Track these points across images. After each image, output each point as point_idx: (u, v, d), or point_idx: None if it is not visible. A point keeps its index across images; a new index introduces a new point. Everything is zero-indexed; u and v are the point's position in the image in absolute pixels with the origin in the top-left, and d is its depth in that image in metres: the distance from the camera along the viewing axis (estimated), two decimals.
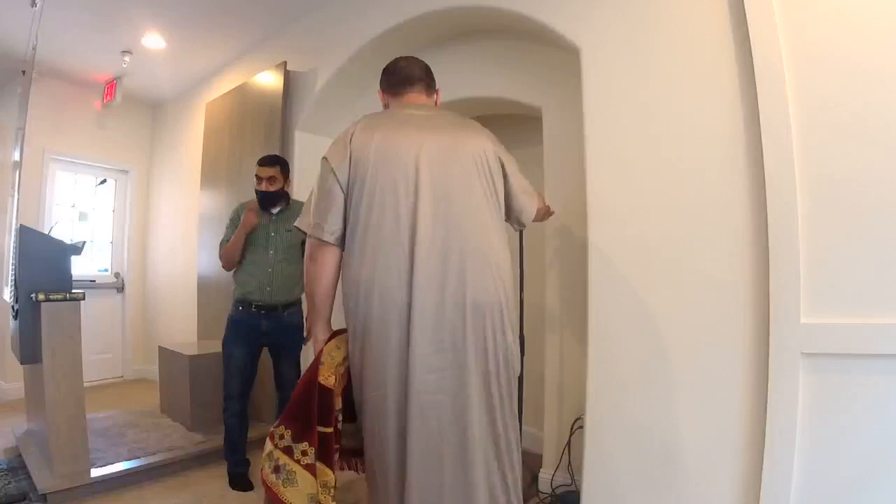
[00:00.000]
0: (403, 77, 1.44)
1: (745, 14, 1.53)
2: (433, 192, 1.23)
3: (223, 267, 2.40)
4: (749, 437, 1.49)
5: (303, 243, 2.30)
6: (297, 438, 1.22)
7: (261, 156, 2.42)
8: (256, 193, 2.34)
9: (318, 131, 3.20)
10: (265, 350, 2.38)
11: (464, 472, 1.18)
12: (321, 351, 1.29)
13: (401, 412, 1.17)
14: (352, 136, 1.29)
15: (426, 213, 1.21)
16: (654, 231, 1.72)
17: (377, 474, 1.23)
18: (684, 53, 1.69)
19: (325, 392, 1.23)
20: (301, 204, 2.41)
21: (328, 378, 1.24)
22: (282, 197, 2.37)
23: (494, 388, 1.22)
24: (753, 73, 1.51)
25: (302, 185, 3.09)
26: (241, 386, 2.29)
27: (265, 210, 2.35)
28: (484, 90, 2.53)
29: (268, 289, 2.28)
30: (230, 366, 2.29)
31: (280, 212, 2.37)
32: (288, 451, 1.22)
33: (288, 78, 3.11)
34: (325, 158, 1.31)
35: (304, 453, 1.21)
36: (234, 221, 2.39)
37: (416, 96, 1.44)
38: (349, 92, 3.07)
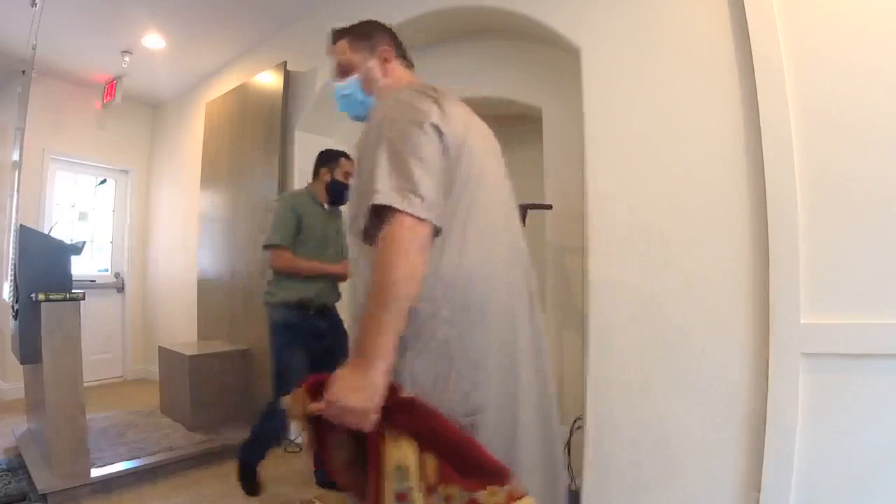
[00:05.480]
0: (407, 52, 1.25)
1: (744, 14, 1.53)
2: (495, 177, 1.06)
3: (279, 271, 2.20)
4: (749, 437, 1.49)
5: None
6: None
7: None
8: (335, 186, 2.23)
9: (318, 131, 3.19)
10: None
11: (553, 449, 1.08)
12: (381, 440, 0.79)
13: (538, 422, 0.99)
14: (436, 97, 0.95)
15: (498, 201, 1.03)
16: (653, 231, 1.72)
17: None
18: (684, 53, 1.69)
19: None
20: None
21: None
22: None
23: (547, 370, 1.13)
24: (753, 73, 1.51)
25: (302, 186, 3.08)
26: None
27: (336, 205, 2.29)
28: (484, 90, 2.53)
29: (326, 290, 2.23)
30: (286, 374, 2.07)
31: (332, 210, 2.31)
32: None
33: (288, 78, 3.11)
34: (410, 105, 0.93)
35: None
36: (284, 219, 2.17)
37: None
38: None
